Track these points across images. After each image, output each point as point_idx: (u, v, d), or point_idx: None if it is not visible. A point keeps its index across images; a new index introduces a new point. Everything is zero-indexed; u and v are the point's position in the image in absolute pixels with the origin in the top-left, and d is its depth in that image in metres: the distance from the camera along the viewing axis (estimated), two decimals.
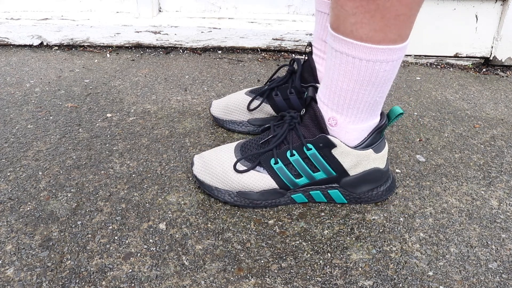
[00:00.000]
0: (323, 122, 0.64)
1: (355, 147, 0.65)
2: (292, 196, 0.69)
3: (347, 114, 0.63)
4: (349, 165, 0.66)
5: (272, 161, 0.68)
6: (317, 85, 0.74)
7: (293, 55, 1.34)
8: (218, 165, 0.70)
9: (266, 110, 0.87)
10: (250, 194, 0.68)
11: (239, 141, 0.74)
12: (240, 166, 0.69)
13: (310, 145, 0.65)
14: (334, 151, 0.64)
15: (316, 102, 0.65)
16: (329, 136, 0.64)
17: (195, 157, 0.74)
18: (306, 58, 0.84)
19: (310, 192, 0.69)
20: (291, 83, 0.85)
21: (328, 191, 0.69)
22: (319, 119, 0.64)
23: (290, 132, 0.67)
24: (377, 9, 0.52)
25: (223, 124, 0.90)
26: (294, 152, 0.66)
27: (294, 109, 0.86)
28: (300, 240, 0.64)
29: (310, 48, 0.85)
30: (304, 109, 0.68)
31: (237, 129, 0.89)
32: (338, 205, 0.71)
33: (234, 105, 0.89)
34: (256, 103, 0.87)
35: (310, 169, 0.67)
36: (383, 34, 0.54)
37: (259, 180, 0.68)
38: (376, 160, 0.66)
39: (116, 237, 0.63)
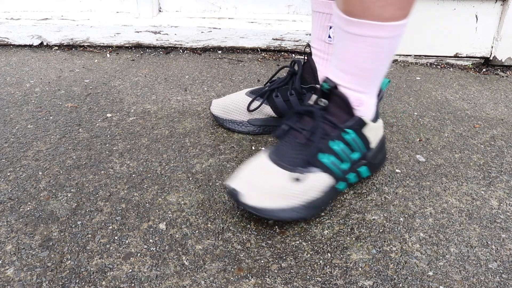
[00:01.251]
0: (351, 106, 0.67)
1: (373, 120, 0.70)
2: (339, 187, 0.70)
3: (370, 92, 0.68)
4: (372, 139, 0.71)
5: (322, 156, 0.66)
6: (318, 86, 0.76)
7: (293, 55, 1.34)
8: (272, 184, 0.64)
9: (266, 111, 0.87)
10: (317, 201, 0.65)
11: (263, 152, 0.70)
12: (297, 175, 0.64)
13: (348, 130, 0.67)
14: (364, 129, 0.69)
15: (336, 89, 0.67)
16: (362, 117, 0.68)
17: (233, 185, 0.64)
18: (306, 59, 0.84)
19: (347, 176, 0.70)
20: (291, 85, 0.85)
21: (357, 169, 0.71)
22: (348, 103, 0.66)
23: (324, 124, 0.68)
24: None
25: (222, 123, 0.90)
26: (336, 140, 0.67)
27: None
28: (300, 240, 0.64)
29: (309, 49, 0.85)
30: (323, 99, 0.68)
31: (237, 129, 0.89)
32: (338, 205, 0.71)
33: (234, 105, 0.89)
34: (256, 104, 0.87)
35: (351, 152, 0.69)
36: (403, 11, 0.59)
37: (320, 181, 0.66)
38: (381, 127, 0.73)
39: (116, 237, 0.63)
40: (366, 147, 0.70)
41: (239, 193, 0.63)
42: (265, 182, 0.64)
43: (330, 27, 0.80)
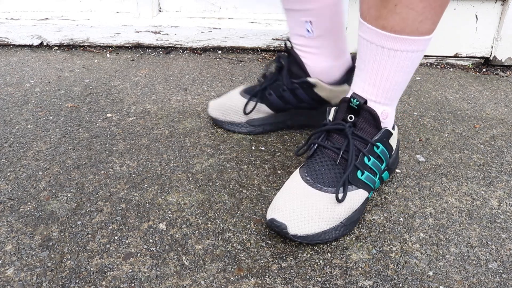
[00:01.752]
0: (379, 120, 0.68)
1: (393, 129, 0.72)
2: (369, 196, 0.70)
3: (394, 103, 0.70)
4: (394, 146, 0.73)
5: (359, 173, 0.67)
6: (310, 79, 0.83)
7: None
8: (315, 209, 0.63)
9: (263, 109, 0.87)
10: (355, 216, 0.66)
11: (296, 175, 0.68)
12: (340, 197, 0.64)
13: (378, 143, 0.68)
14: (390, 139, 0.71)
15: (366, 104, 0.67)
16: (389, 129, 0.69)
17: (275, 216, 0.63)
18: (289, 53, 0.83)
19: (376, 185, 0.72)
20: (283, 80, 0.85)
21: (381, 175, 0.72)
22: (376, 118, 0.67)
23: (355, 140, 0.68)
24: (441, 4, 0.59)
25: (222, 125, 0.90)
26: (369, 156, 0.68)
27: (290, 105, 0.86)
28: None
29: (289, 43, 0.84)
30: (352, 116, 0.68)
31: (237, 130, 0.89)
32: None
33: (231, 106, 0.89)
34: (251, 105, 0.87)
35: (380, 164, 0.70)
36: (435, 25, 0.62)
37: (358, 197, 0.66)
38: (397, 133, 0.76)
39: (116, 237, 0.63)
40: (390, 155, 0.72)
41: (284, 225, 0.61)
42: (308, 209, 0.63)
43: (306, 22, 0.80)
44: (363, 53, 0.66)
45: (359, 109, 0.67)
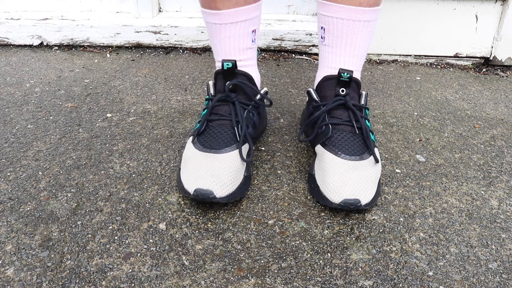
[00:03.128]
0: (360, 86, 0.78)
1: None
2: None
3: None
4: None
5: (371, 135, 0.75)
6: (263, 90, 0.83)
7: (293, 55, 1.34)
8: (367, 177, 0.70)
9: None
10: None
11: (327, 155, 0.73)
12: (376, 157, 0.72)
13: (366, 105, 0.78)
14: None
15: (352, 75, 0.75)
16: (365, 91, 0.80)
17: (348, 196, 0.66)
18: (239, 81, 0.76)
19: None
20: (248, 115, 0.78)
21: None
22: (359, 85, 0.77)
23: (355, 109, 0.76)
24: None
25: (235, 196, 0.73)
26: (367, 119, 0.78)
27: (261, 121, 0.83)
28: (300, 240, 0.64)
29: (231, 67, 0.76)
30: (343, 89, 0.76)
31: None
32: None
33: (227, 173, 0.69)
34: (246, 148, 0.75)
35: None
36: None
37: (378, 154, 0.75)
38: None
39: (116, 237, 0.63)
40: None
41: (358, 200, 0.65)
42: (364, 179, 0.68)
43: (253, 31, 0.79)
44: (337, 31, 0.75)
45: (350, 81, 0.75)
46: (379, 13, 0.74)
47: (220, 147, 0.72)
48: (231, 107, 0.76)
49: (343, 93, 0.76)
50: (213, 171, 0.67)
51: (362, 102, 0.77)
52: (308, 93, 0.81)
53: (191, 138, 0.75)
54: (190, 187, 0.66)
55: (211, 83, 0.80)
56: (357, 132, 0.74)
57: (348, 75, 0.74)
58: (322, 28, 0.78)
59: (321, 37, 0.79)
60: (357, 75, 0.79)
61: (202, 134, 0.75)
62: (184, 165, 0.72)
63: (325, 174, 0.70)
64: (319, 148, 0.75)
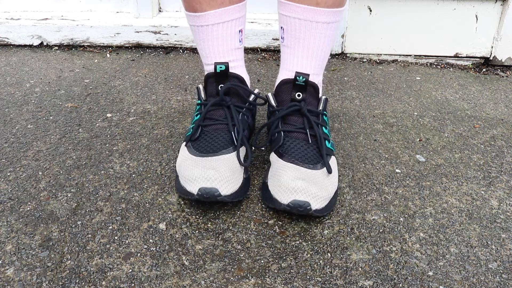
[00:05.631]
0: (319, 90, 0.75)
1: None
2: None
3: (322, 72, 0.77)
4: None
5: (327, 143, 0.73)
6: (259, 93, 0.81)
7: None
8: (323, 187, 0.67)
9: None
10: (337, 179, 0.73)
11: (280, 161, 0.70)
12: (328, 169, 0.69)
13: (324, 112, 0.76)
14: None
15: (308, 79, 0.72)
16: (326, 96, 0.77)
17: (298, 198, 0.64)
18: (233, 82, 0.76)
19: None
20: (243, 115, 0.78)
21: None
22: (317, 89, 0.74)
23: (311, 115, 0.73)
24: None
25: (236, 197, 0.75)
26: (324, 125, 0.74)
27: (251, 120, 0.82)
28: (300, 240, 0.64)
29: (224, 70, 0.76)
30: (299, 93, 0.73)
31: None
32: (338, 205, 0.71)
33: (229, 173, 0.69)
34: (243, 152, 0.76)
35: (327, 130, 0.76)
36: None
37: (334, 163, 0.73)
38: None
39: (116, 237, 0.63)
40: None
41: (308, 203, 0.63)
42: (314, 185, 0.65)
43: (240, 31, 0.77)
44: (295, 32, 0.72)
45: (306, 85, 0.72)
46: (342, 15, 0.71)
47: (217, 150, 0.71)
48: (226, 111, 0.74)
49: (299, 97, 0.73)
50: (215, 168, 0.66)
51: (321, 107, 0.74)
52: (266, 97, 0.78)
53: (184, 143, 0.74)
54: (194, 188, 0.65)
55: (201, 87, 0.79)
56: (310, 141, 0.71)
57: (304, 79, 0.71)
58: (281, 28, 0.75)
59: (281, 37, 0.77)
60: (315, 78, 0.75)
61: (196, 140, 0.73)
62: (181, 170, 0.70)
63: (277, 178, 0.67)
64: (273, 156, 0.73)
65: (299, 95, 0.73)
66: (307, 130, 0.72)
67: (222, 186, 0.64)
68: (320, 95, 0.76)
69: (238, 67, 0.80)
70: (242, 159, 0.73)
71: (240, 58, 0.80)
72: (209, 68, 0.79)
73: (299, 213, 0.64)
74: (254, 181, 0.76)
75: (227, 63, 0.75)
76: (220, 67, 0.74)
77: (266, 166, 0.80)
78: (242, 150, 0.75)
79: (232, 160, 0.70)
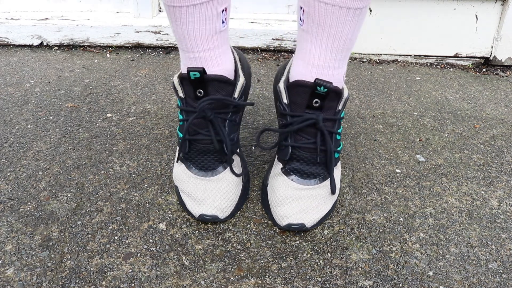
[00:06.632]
0: (342, 92, 0.65)
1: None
2: None
3: (346, 64, 0.68)
4: None
5: (336, 155, 0.70)
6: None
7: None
8: (319, 207, 0.67)
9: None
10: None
11: (282, 177, 0.68)
12: (333, 188, 0.68)
13: (342, 114, 0.68)
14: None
15: (332, 85, 0.63)
16: (347, 93, 0.68)
17: (293, 221, 0.64)
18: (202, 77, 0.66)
19: None
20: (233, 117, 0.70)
21: None
22: (340, 93, 0.64)
23: (326, 122, 0.66)
24: None
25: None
26: (338, 131, 0.69)
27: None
28: (300, 240, 0.64)
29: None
30: (317, 100, 0.64)
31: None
32: (338, 205, 0.71)
33: (227, 196, 0.69)
34: (238, 163, 0.73)
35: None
36: None
37: (338, 172, 0.72)
38: None
39: (116, 237, 0.63)
40: None
41: (303, 225, 0.64)
42: (311, 202, 0.66)
43: (223, 11, 0.65)
44: (319, 17, 0.61)
45: (326, 94, 0.63)
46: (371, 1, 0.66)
47: (211, 167, 0.69)
48: (210, 126, 0.67)
49: (317, 104, 0.64)
50: (213, 200, 0.66)
51: (340, 107, 0.66)
52: (278, 90, 0.69)
53: (176, 158, 0.72)
54: (195, 212, 0.66)
55: (176, 82, 0.67)
56: (318, 160, 0.67)
57: (325, 90, 0.62)
58: (301, 8, 0.63)
59: (300, 19, 0.65)
60: (339, 73, 0.65)
61: (188, 152, 0.70)
62: (181, 186, 0.69)
63: (275, 194, 0.67)
64: (277, 161, 0.71)
65: (316, 102, 0.64)
66: (318, 145, 0.66)
67: (221, 213, 0.66)
68: (342, 94, 0.65)
69: (221, 55, 0.68)
70: (237, 167, 0.71)
71: (223, 43, 0.68)
72: (184, 63, 0.68)
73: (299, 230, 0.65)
74: (254, 181, 0.76)
75: (202, 68, 0.63)
76: (195, 75, 0.63)
77: (266, 166, 0.80)
78: (235, 157, 0.72)
79: (227, 178, 0.69)
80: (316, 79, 0.62)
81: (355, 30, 0.62)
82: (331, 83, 0.62)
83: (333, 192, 0.67)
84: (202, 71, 0.63)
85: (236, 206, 0.68)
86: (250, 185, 0.74)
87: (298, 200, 0.66)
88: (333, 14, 0.59)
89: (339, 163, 0.72)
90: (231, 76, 0.69)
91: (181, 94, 0.68)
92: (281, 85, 0.68)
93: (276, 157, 0.72)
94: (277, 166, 0.71)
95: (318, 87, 0.62)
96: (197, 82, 0.65)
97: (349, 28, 0.61)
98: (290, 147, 0.67)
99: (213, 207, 0.66)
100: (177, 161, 0.72)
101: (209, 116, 0.66)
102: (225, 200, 0.67)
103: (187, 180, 0.69)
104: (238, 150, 0.72)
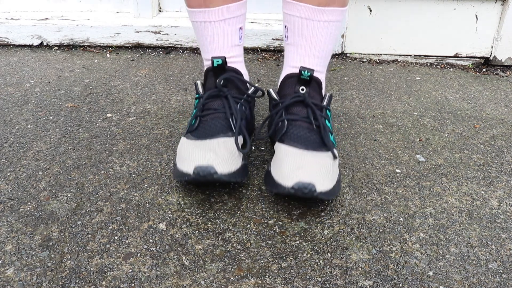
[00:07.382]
0: (322, 86, 0.77)
1: None
2: None
3: (325, 70, 0.80)
4: None
5: (330, 135, 0.74)
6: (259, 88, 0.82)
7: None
8: (325, 166, 0.68)
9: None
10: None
11: (283, 147, 0.71)
12: (335, 153, 0.71)
13: (328, 107, 0.77)
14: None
15: (313, 74, 0.75)
16: (331, 93, 0.79)
17: (302, 179, 0.63)
18: (230, 75, 0.78)
19: None
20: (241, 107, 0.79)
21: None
22: (321, 86, 0.76)
23: (315, 108, 0.74)
24: None
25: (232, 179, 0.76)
26: (327, 119, 0.76)
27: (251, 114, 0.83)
28: (300, 240, 0.64)
29: (222, 64, 0.78)
30: (303, 88, 0.75)
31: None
32: (338, 205, 0.71)
33: (227, 153, 0.71)
34: (240, 140, 0.75)
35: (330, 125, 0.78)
36: None
37: (337, 155, 0.74)
38: None
39: (116, 237, 0.63)
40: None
41: (312, 184, 0.61)
42: (318, 165, 0.66)
43: (240, 28, 0.80)
44: (298, 30, 0.74)
45: (310, 80, 0.74)
46: (344, 14, 0.74)
47: (215, 134, 0.71)
48: (224, 101, 0.75)
49: (303, 91, 0.75)
50: (211, 148, 0.67)
51: (325, 103, 0.76)
52: (268, 93, 0.80)
53: (183, 135, 0.75)
54: (189, 167, 0.64)
55: (199, 82, 0.81)
56: (315, 128, 0.72)
57: (309, 74, 0.73)
58: (285, 26, 0.77)
59: (285, 36, 0.79)
60: (319, 75, 0.78)
61: (195, 130, 0.74)
62: (179, 154, 0.71)
63: (280, 163, 0.67)
64: (276, 145, 0.73)
65: (302, 89, 0.75)
66: (312, 119, 0.72)
67: (218, 164, 0.64)
68: (323, 92, 0.77)
69: (238, 63, 0.81)
70: (240, 147, 0.73)
71: (239, 55, 0.82)
72: (207, 63, 0.81)
73: (303, 196, 0.62)
74: (254, 181, 0.76)
75: (224, 57, 0.76)
76: (217, 61, 0.76)
77: (266, 166, 0.80)
78: (240, 139, 0.75)
79: (230, 143, 0.70)
80: (301, 66, 0.75)
81: (329, 40, 0.75)
82: (313, 70, 0.74)
83: (334, 156, 0.70)
84: (224, 60, 0.76)
85: (236, 172, 0.66)
86: (250, 185, 0.74)
87: (306, 162, 0.66)
88: (308, 26, 0.73)
89: (335, 150, 0.73)
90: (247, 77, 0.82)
91: (200, 91, 0.79)
92: (270, 89, 0.80)
93: (276, 144, 0.74)
94: (278, 147, 0.73)
95: (302, 72, 0.74)
96: (219, 70, 0.77)
97: (323, 38, 0.74)
98: (286, 121, 0.74)
99: (209, 156, 0.64)
100: (185, 136, 0.74)
101: (225, 92, 0.75)
102: (224, 151, 0.66)
103: (185, 146, 0.70)
104: (245, 135, 0.74)
